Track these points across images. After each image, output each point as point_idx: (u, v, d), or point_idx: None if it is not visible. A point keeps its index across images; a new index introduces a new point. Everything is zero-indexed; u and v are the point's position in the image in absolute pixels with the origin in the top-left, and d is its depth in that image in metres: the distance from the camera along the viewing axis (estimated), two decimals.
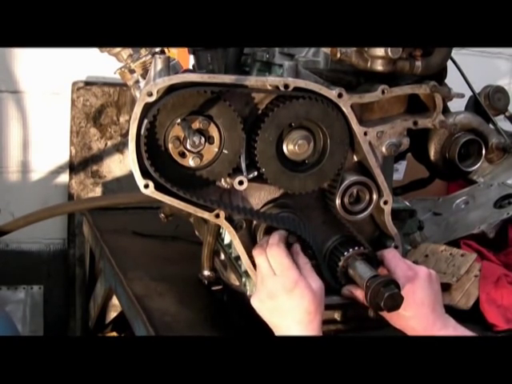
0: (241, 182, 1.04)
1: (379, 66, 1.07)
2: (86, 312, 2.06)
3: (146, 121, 0.97)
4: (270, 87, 1.03)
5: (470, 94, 1.37)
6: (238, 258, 1.17)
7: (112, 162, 2.18)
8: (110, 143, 2.18)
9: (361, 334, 1.20)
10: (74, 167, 2.19)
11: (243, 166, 1.04)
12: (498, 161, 1.50)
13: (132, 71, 1.11)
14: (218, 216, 1.06)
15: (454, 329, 1.04)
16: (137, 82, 1.13)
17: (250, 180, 1.05)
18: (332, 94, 1.05)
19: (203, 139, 0.98)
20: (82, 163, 2.19)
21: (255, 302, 1.05)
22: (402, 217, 1.25)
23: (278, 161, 1.05)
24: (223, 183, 1.05)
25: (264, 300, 1.04)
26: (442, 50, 1.12)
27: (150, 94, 0.96)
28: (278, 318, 1.03)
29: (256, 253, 1.07)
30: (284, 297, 1.02)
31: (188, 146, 0.99)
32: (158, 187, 1.00)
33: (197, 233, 1.41)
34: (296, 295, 1.01)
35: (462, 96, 1.21)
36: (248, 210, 1.07)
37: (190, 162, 1.00)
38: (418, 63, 1.09)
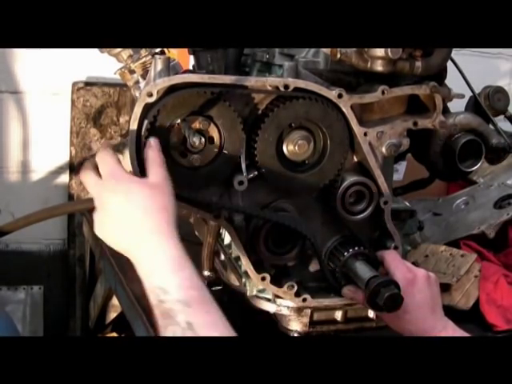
0: (241, 182, 1.04)
1: (379, 67, 1.07)
2: (86, 312, 2.06)
3: (146, 121, 0.97)
4: (269, 88, 1.03)
5: (470, 94, 1.37)
6: (238, 258, 1.17)
7: None
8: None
9: (361, 334, 1.20)
10: (74, 167, 2.19)
11: (243, 166, 1.04)
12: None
13: (132, 72, 1.11)
14: (218, 216, 1.06)
15: (453, 331, 1.04)
16: (137, 82, 1.13)
17: (250, 180, 1.05)
18: (332, 94, 1.05)
19: (203, 139, 0.98)
20: (83, 163, 2.19)
21: (97, 231, 0.91)
22: (402, 217, 1.25)
23: (277, 161, 1.05)
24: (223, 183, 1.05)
25: (96, 216, 0.90)
26: (442, 50, 1.12)
27: (150, 95, 0.96)
28: (116, 232, 0.88)
29: (82, 173, 0.95)
30: (109, 199, 0.88)
31: (188, 147, 0.99)
32: None
33: (197, 233, 1.41)
34: (121, 192, 0.88)
35: (462, 96, 1.21)
36: (248, 209, 1.06)
37: (191, 162, 1.00)
38: (418, 64, 1.09)
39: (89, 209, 0.96)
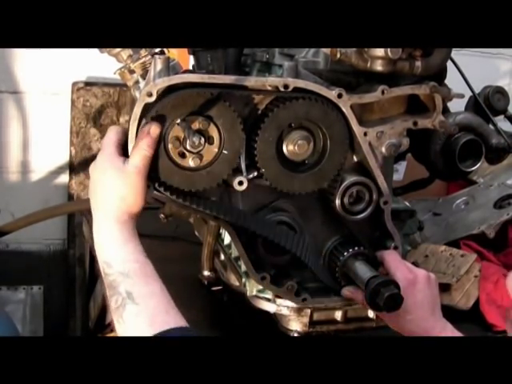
0: (241, 183, 1.04)
1: (379, 67, 1.07)
2: (86, 312, 2.06)
3: (144, 121, 0.97)
4: (269, 88, 1.02)
5: (470, 94, 1.37)
6: (237, 258, 1.18)
7: None
8: None
9: (361, 334, 1.20)
10: (74, 167, 2.18)
11: (243, 166, 1.04)
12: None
13: (132, 72, 1.11)
14: (217, 216, 1.06)
15: (452, 332, 1.04)
16: (137, 82, 1.13)
17: (249, 180, 1.05)
18: (332, 94, 1.05)
19: (203, 139, 0.98)
20: (82, 163, 2.19)
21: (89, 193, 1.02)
22: (402, 217, 1.25)
23: (277, 161, 1.05)
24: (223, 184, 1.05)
25: (90, 186, 1.00)
26: (442, 50, 1.12)
27: (150, 95, 0.96)
28: (92, 204, 0.99)
29: None
30: (92, 174, 0.99)
31: (188, 147, 0.99)
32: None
33: (197, 233, 1.41)
34: (99, 170, 0.98)
35: (462, 96, 1.21)
36: (241, 217, 1.06)
37: (190, 162, 1.00)
38: (418, 63, 1.09)
39: (89, 209, 0.97)
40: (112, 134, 1.01)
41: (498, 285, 1.38)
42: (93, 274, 2.00)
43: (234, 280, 1.25)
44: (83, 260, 2.19)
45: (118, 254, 0.93)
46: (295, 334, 1.19)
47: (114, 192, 0.95)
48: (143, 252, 0.95)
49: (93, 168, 1.00)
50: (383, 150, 1.11)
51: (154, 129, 0.96)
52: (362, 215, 1.13)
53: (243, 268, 1.14)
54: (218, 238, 1.24)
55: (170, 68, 1.00)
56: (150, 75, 1.00)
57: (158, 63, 0.98)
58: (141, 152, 0.96)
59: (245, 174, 1.04)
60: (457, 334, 1.04)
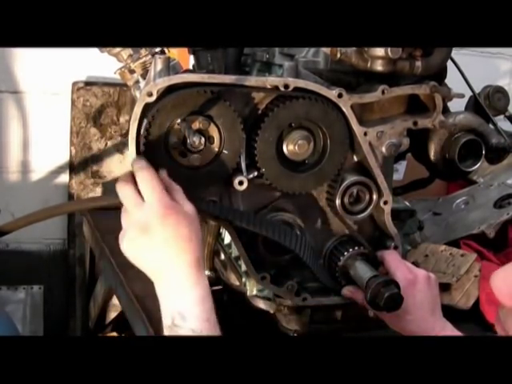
0: (241, 182, 1.04)
1: (379, 66, 1.07)
2: (86, 312, 2.06)
3: (145, 121, 0.97)
4: (269, 87, 1.02)
5: (470, 94, 1.37)
6: (238, 258, 1.17)
7: (112, 162, 2.18)
8: (110, 143, 2.18)
9: (361, 334, 1.20)
10: (74, 167, 2.19)
11: (243, 166, 1.04)
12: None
13: (132, 71, 1.11)
14: (218, 216, 1.06)
15: (451, 332, 1.04)
16: (137, 82, 1.13)
17: (250, 180, 1.05)
18: (332, 94, 1.05)
19: (203, 139, 0.98)
20: (82, 163, 2.19)
21: (124, 245, 0.91)
22: (402, 217, 1.25)
23: (277, 161, 1.05)
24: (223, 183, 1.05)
25: (135, 237, 0.90)
26: (442, 50, 1.12)
27: (150, 95, 0.96)
28: (154, 256, 0.90)
29: (121, 184, 0.93)
30: (157, 226, 0.89)
31: (188, 146, 0.99)
32: None
33: None
34: (171, 222, 0.89)
35: (462, 96, 1.21)
36: (245, 217, 1.05)
37: (190, 162, 1.00)
38: (418, 63, 1.09)
39: (88, 209, 0.97)
40: (153, 181, 0.92)
41: None
42: (93, 274, 2.00)
43: (234, 280, 1.25)
44: (83, 260, 2.19)
45: (195, 309, 0.89)
46: (295, 334, 1.19)
47: (196, 237, 0.91)
48: (214, 309, 0.92)
49: (154, 224, 0.89)
50: (383, 149, 1.11)
51: (143, 166, 0.93)
52: (362, 215, 1.13)
53: (243, 268, 1.14)
54: (218, 237, 1.24)
55: (171, 68, 1.00)
56: (150, 75, 1.00)
57: (159, 63, 0.98)
58: (178, 191, 0.94)
59: (245, 173, 1.04)
60: (457, 333, 1.04)
